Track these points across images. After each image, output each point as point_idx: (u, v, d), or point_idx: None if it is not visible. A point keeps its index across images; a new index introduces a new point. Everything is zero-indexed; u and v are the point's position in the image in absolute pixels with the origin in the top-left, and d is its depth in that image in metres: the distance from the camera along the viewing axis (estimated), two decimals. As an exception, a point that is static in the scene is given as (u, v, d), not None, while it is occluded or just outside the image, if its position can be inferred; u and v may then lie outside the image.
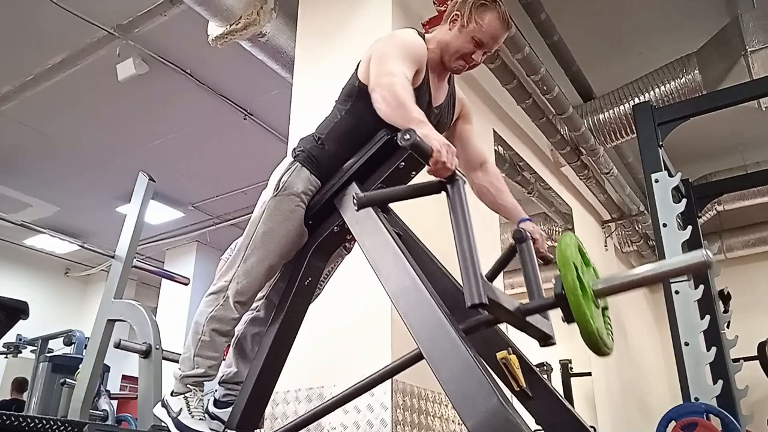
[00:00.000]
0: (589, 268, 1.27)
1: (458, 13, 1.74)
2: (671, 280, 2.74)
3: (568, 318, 1.19)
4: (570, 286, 1.17)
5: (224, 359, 1.83)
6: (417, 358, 1.54)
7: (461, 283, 1.48)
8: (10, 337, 5.31)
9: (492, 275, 1.59)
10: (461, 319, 1.37)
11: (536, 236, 1.64)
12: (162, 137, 5.75)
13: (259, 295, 1.80)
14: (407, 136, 1.33)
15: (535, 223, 1.74)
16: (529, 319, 1.35)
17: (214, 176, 6.49)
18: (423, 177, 1.61)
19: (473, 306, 1.19)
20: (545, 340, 1.42)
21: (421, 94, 1.71)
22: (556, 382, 5.46)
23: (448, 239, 1.92)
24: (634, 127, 4.15)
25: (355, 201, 1.44)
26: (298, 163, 1.73)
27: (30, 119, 5.52)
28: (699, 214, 4.02)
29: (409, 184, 1.50)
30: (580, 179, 5.20)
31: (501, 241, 3.76)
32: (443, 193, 1.67)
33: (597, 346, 1.18)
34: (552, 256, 1.44)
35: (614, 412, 5.10)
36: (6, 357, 5.57)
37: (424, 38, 1.76)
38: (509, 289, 4.63)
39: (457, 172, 1.38)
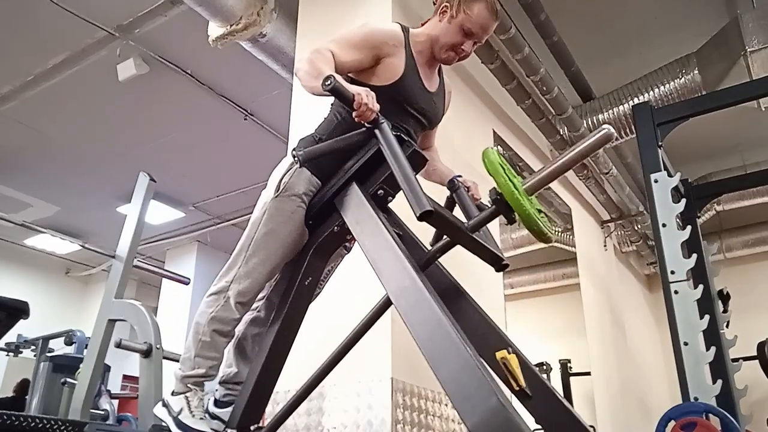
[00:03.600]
0: (517, 178, 1.35)
1: (447, 4, 1.77)
2: (670, 281, 2.74)
3: (509, 217, 1.31)
4: (502, 182, 1.30)
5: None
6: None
7: (463, 286, 1.48)
8: (11, 336, 5.32)
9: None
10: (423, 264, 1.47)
11: (469, 184, 1.75)
12: (162, 137, 5.76)
13: (260, 295, 1.81)
14: (328, 82, 1.43)
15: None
16: (478, 239, 1.45)
17: (214, 176, 6.50)
18: (427, 186, 1.61)
19: (422, 215, 1.28)
20: (498, 261, 1.51)
21: (408, 83, 1.74)
22: (556, 382, 5.47)
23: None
24: (633, 127, 4.16)
25: (296, 159, 1.54)
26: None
27: (30, 119, 5.52)
28: (698, 214, 4.02)
29: (342, 136, 1.59)
30: (580, 179, 5.20)
31: (500, 241, 3.76)
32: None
33: (540, 231, 1.29)
34: (487, 204, 1.50)
35: (614, 412, 5.11)
36: (7, 355, 5.56)
37: (408, 30, 1.79)
38: (509, 289, 4.64)
39: (379, 115, 1.48)
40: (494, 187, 1.34)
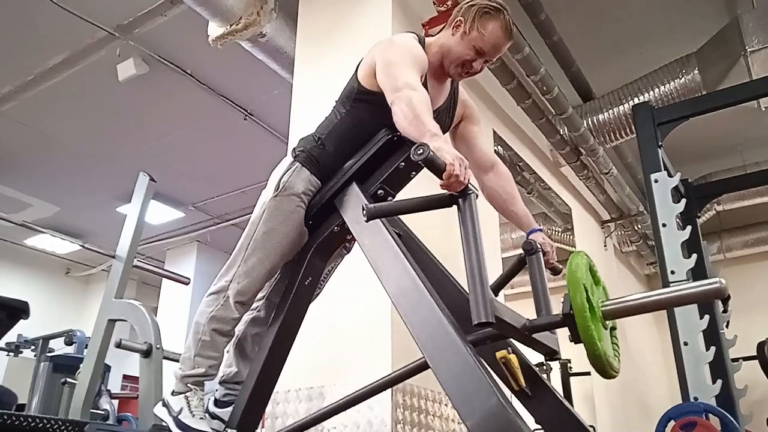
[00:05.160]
0: (599, 287, 1.27)
1: (462, 19, 1.72)
2: (670, 281, 2.74)
3: (575, 338, 1.20)
4: (579, 308, 1.17)
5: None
6: (419, 368, 1.54)
7: (463, 286, 1.48)
8: (11, 336, 5.32)
9: (498, 286, 1.60)
10: (466, 330, 1.35)
11: (547, 248, 1.64)
12: (162, 137, 5.76)
13: (260, 295, 1.81)
14: (420, 151, 1.31)
15: (546, 235, 1.72)
16: (535, 335, 1.36)
17: (214, 176, 6.49)
18: (424, 177, 1.61)
19: (480, 324, 1.19)
20: (551, 355, 1.44)
21: None
22: (556, 382, 5.46)
23: (447, 239, 1.93)
24: (633, 127, 4.16)
25: (364, 213, 1.41)
26: (298, 163, 1.74)
27: (30, 119, 5.52)
28: (698, 214, 4.02)
29: (420, 196, 1.47)
30: (580, 179, 5.20)
31: (501, 241, 3.77)
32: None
33: (603, 368, 1.19)
34: (561, 267, 1.44)
35: (614, 412, 5.11)
36: (8, 354, 5.55)
37: (423, 43, 1.77)
38: (509, 289, 4.63)
39: (470, 185, 1.37)
40: (569, 299, 1.21)
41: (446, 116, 1.85)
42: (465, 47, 1.72)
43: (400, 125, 1.52)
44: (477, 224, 1.32)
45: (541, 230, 1.72)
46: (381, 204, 1.51)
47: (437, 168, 1.33)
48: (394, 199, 1.69)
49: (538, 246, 1.55)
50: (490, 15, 1.69)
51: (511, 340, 1.55)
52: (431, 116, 1.50)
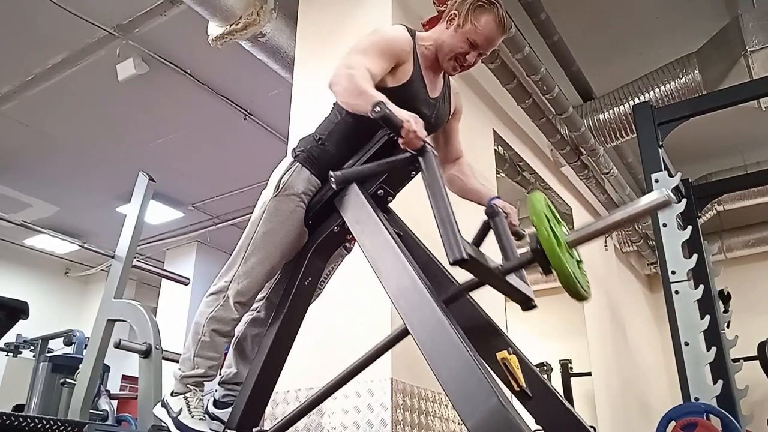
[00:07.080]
0: (560, 225, 1.31)
1: (456, 12, 1.75)
2: (671, 281, 2.74)
3: (546, 268, 1.24)
4: (544, 236, 1.23)
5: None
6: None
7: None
8: (10, 337, 5.31)
9: None
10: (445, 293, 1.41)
11: (507, 210, 1.72)
12: (162, 137, 5.75)
13: (259, 295, 1.80)
14: (378, 109, 1.41)
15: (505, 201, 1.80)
16: (509, 281, 1.40)
17: (214, 176, 6.49)
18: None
19: (455, 262, 1.25)
20: (527, 303, 1.47)
21: (414, 87, 1.74)
22: (556, 382, 5.46)
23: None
24: (634, 127, 4.15)
25: (332, 179, 1.49)
26: (298, 163, 1.73)
27: (30, 119, 5.52)
28: (699, 214, 4.02)
29: (384, 160, 1.57)
30: (580, 179, 5.20)
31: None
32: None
33: (575, 289, 1.24)
34: (524, 232, 1.48)
35: (614, 412, 5.10)
36: (7, 355, 5.54)
37: (414, 34, 1.78)
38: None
39: (427, 143, 1.46)
40: (535, 234, 1.26)
41: (443, 106, 1.87)
42: (459, 40, 1.75)
43: (347, 102, 1.59)
44: (440, 177, 1.42)
45: (499, 198, 1.79)
46: (348, 170, 1.59)
47: (394, 125, 1.42)
48: (394, 198, 1.68)
49: (499, 209, 1.65)
50: (484, 8, 1.72)
51: (511, 340, 1.55)
52: (374, 89, 1.54)
